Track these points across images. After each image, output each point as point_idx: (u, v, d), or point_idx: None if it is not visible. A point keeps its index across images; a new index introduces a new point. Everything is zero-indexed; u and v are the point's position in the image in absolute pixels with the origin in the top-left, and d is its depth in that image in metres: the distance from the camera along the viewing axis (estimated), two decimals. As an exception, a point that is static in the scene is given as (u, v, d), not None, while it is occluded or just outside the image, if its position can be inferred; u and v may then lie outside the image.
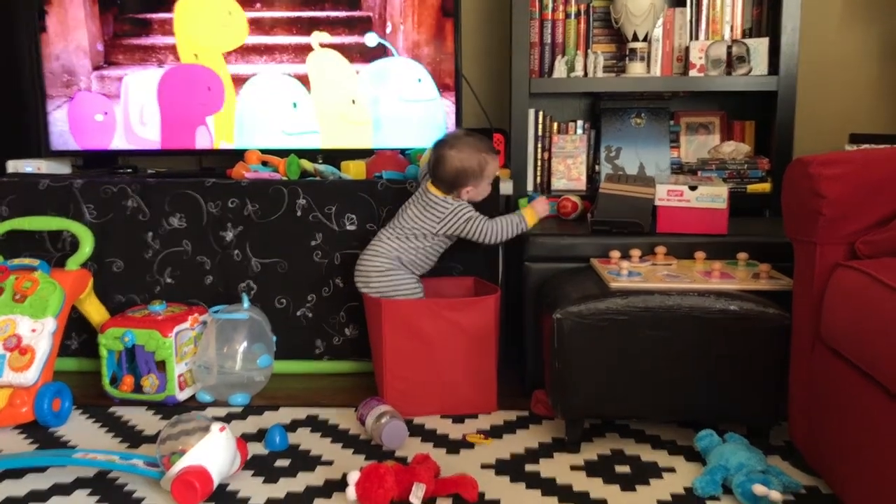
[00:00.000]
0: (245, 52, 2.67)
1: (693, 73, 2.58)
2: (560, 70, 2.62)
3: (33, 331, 2.11)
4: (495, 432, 2.00)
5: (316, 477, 1.77)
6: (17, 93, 2.92)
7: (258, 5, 2.64)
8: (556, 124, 2.75)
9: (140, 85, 2.72)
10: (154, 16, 2.68)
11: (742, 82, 2.54)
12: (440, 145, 2.15)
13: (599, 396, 1.84)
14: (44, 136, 2.77)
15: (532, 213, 2.20)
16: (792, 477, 1.67)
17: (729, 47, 2.55)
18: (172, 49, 2.69)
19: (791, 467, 1.76)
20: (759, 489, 1.55)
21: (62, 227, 2.37)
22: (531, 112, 2.68)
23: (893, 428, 1.34)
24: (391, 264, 2.15)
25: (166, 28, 2.68)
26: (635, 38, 2.55)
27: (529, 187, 2.71)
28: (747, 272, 1.99)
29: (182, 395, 2.23)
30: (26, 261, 2.27)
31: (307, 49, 2.65)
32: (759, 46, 2.54)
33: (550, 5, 2.67)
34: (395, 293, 2.13)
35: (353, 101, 2.66)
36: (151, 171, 2.78)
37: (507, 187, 2.45)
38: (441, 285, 2.30)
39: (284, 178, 2.43)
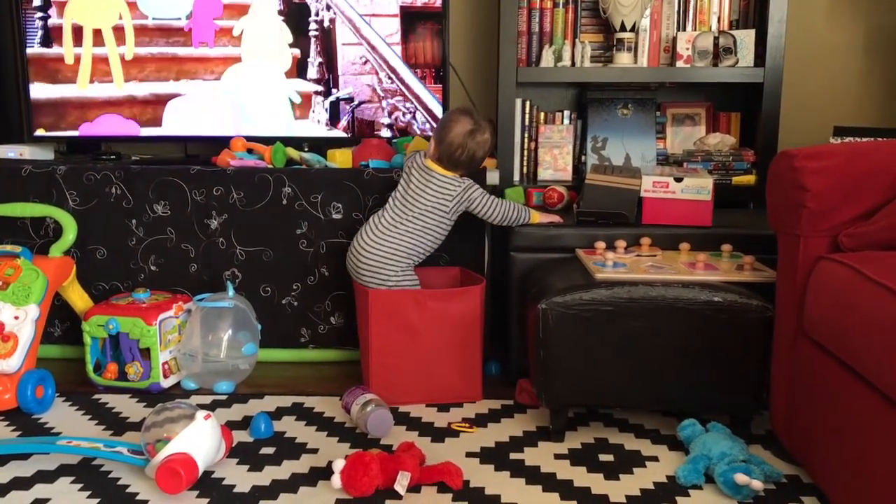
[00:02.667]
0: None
1: (680, 63, 2.58)
2: (547, 59, 2.61)
3: (16, 318, 2.09)
4: (480, 421, 2.01)
5: (301, 465, 1.77)
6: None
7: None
8: (542, 114, 2.75)
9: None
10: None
11: (728, 74, 2.55)
12: (478, 129, 2.11)
13: (583, 386, 1.85)
14: (26, 121, 2.74)
15: (538, 215, 2.21)
16: (773, 466, 1.69)
17: (716, 38, 2.56)
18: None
19: (772, 457, 1.78)
20: (740, 478, 1.57)
21: (45, 213, 2.35)
22: (518, 102, 2.68)
23: (873, 418, 1.36)
24: (410, 261, 2.14)
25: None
26: (623, 29, 2.55)
27: (516, 177, 2.71)
28: (731, 264, 2.00)
29: (166, 383, 2.22)
30: (8, 247, 2.25)
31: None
32: (746, 38, 2.55)
33: (539, -6, 2.67)
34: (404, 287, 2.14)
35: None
36: (135, 158, 2.76)
37: (493, 177, 2.44)
38: (427, 275, 2.29)
39: (270, 166, 2.42)
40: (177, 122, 2.72)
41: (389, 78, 2.64)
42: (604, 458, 1.80)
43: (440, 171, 2.12)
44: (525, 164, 2.75)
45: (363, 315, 2.12)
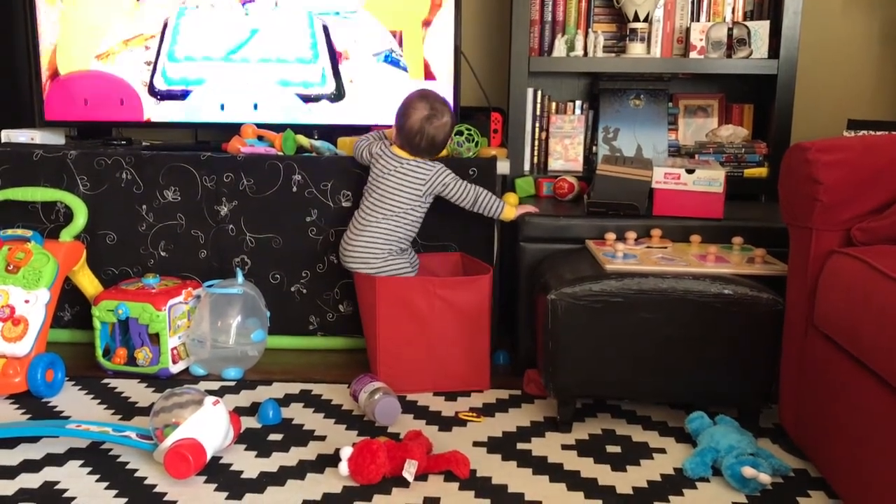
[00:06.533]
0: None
1: (693, 54, 2.56)
2: (560, 49, 2.60)
3: (26, 302, 2.10)
4: (488, 410, 2.01)
5: (309, 452, 1.77)
6: (10, 61, 2.88)
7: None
8: (554, 104, 2.73)
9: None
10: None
11: (742, 65, 2.53)
12: (436, 114, 2.11)
13: (592, 377, 1.85)
14: (38, 106, 2.74)
15: (512, 210, 2.20)
16: (781, 460, 1.69)
17: (730, 29, 2.54)
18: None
19: (780, 450, 1.78)
20: (748, 471, 1.57)
21: (56, 198, 2.35)
22: (529, 91, 2.66)
23: (883, 413, 1.35)
24: (391, 247, 2.14)
25: None
26: (636, 19, 2.53)
27: (526, 167, 2.70)
28: (742, 256, 1.99)
29: (175, 369, 2.23)
30: (19, 231, 2.26)
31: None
32: (761, 29, 2.53)
33: (552, -18, 2.65)
34: (397, 274, 2.14)
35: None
36: (146, 144, 2.76)
37: (503, 167, 2.43)
38: (428, 261, 2.29)
39: (280, 154, 2.42)
40: (188, 108, 2.71)
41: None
42: (611, 449, 1.80)
43: (407, 157, 2.14)
44: (536, 154, 2.74)
45: (368, 304, 2.12)
